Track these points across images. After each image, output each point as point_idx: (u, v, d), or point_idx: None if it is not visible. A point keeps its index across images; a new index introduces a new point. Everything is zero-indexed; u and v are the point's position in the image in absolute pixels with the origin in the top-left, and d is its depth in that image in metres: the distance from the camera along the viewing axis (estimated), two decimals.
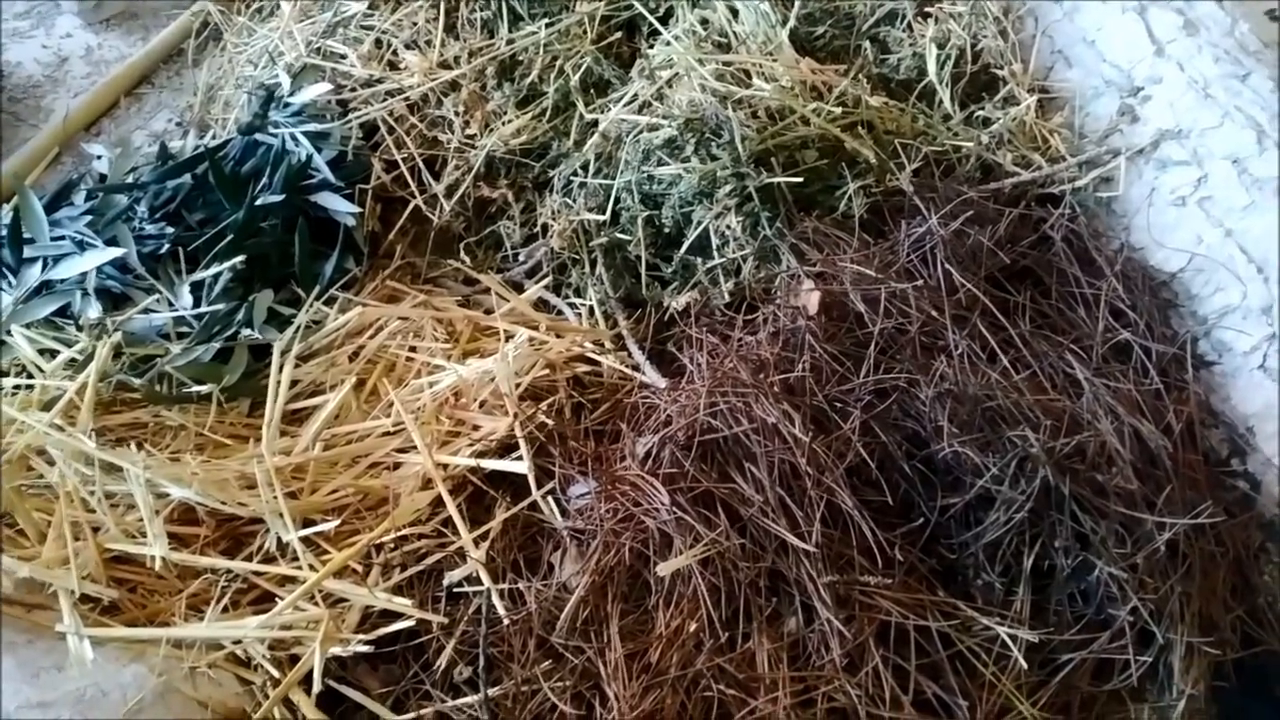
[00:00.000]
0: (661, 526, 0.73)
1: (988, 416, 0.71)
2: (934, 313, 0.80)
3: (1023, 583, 0.68)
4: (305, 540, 0.77)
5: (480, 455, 0.80)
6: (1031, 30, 1.13)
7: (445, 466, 0.80)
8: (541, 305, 1.03)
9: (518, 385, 0.85)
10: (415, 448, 0.81)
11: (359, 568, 0.76)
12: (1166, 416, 0.75)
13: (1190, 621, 0.67)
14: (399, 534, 0.77)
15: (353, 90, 1.12)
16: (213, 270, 0.96)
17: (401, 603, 0.73)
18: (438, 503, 0.80)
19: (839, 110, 0.99)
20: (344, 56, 1.15)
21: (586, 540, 0.77)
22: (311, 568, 0.75)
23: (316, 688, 0.71)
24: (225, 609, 0.76)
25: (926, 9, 1.14)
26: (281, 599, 0.76)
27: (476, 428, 0.83)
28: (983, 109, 1.07)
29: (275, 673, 0.72)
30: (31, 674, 0.71)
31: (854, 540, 0.71)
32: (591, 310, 1.01)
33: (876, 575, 0.69)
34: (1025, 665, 0.68)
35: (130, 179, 1.08)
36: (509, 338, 0.91)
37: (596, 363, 0.94)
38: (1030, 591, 0.69)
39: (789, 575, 0.71)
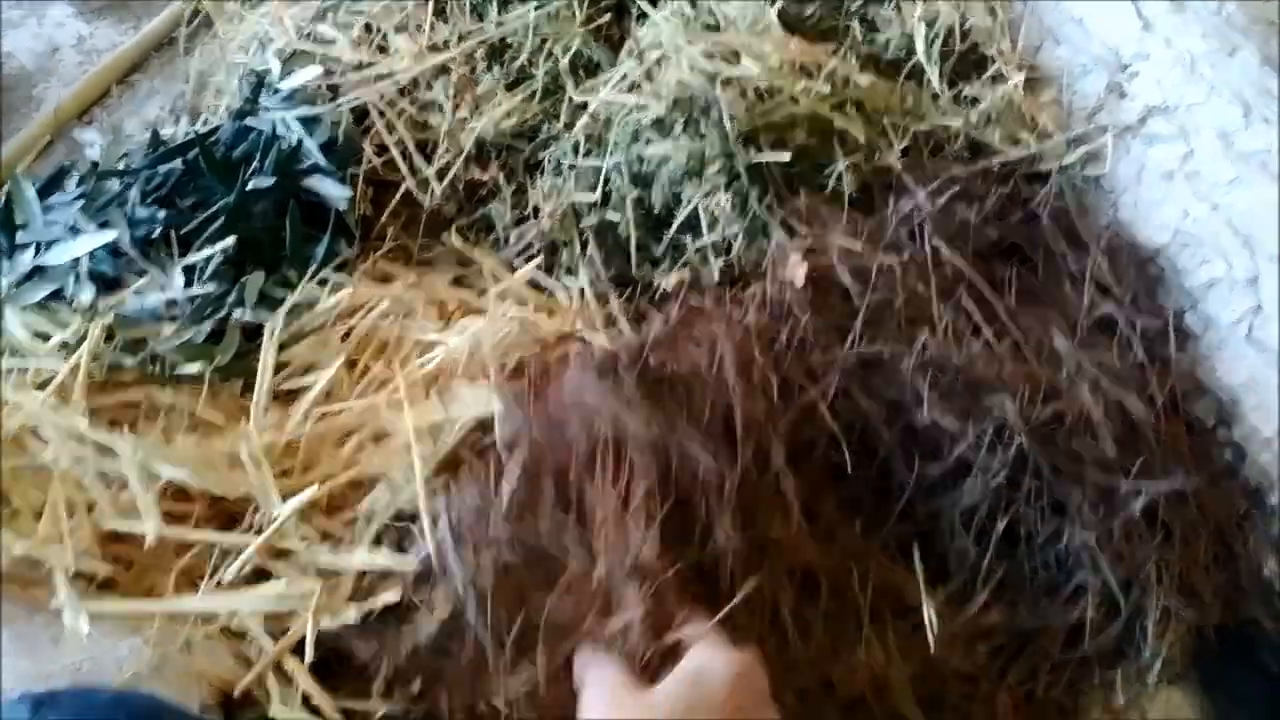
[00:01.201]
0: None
1: (969, 386, 0.71)
2: (920, 286, 0.80)
3: (991, 547, 0.68)
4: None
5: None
6: (1020, 8, 1.13)
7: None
8: (533, 286, 1.03)
9: (504, 364, 0.86)
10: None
11: (347, 539, 0.77)
12: (1149, 388, 0.76)
13: (1169, 585, 0.68)
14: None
15: (343, 75, 1.12)
16: (205, 253, 0.96)
17: (384, 560, 0.74)
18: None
19: (828, 89, 0.99)
20: (334, 41, 1.15)
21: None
22: (303, 538, 0.76)
23: (309, 657, 0.73)
24: (219, 583, 0.77)
25: None
26: (273, 574, 0.77)
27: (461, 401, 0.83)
28: (971, 87, 1.07)
29: (269, 643, 0.73)
30: (29, 648, 0.72)
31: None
32: (583, 290, 1.01)
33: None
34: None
35: (122, 165, 1.08)
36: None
37: (585, 341, 0.94)
38: (1005, 558, 0.69)
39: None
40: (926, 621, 0.68)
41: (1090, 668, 0.71)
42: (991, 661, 0.71)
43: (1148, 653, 0.68)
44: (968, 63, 1.11)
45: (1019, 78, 1.05)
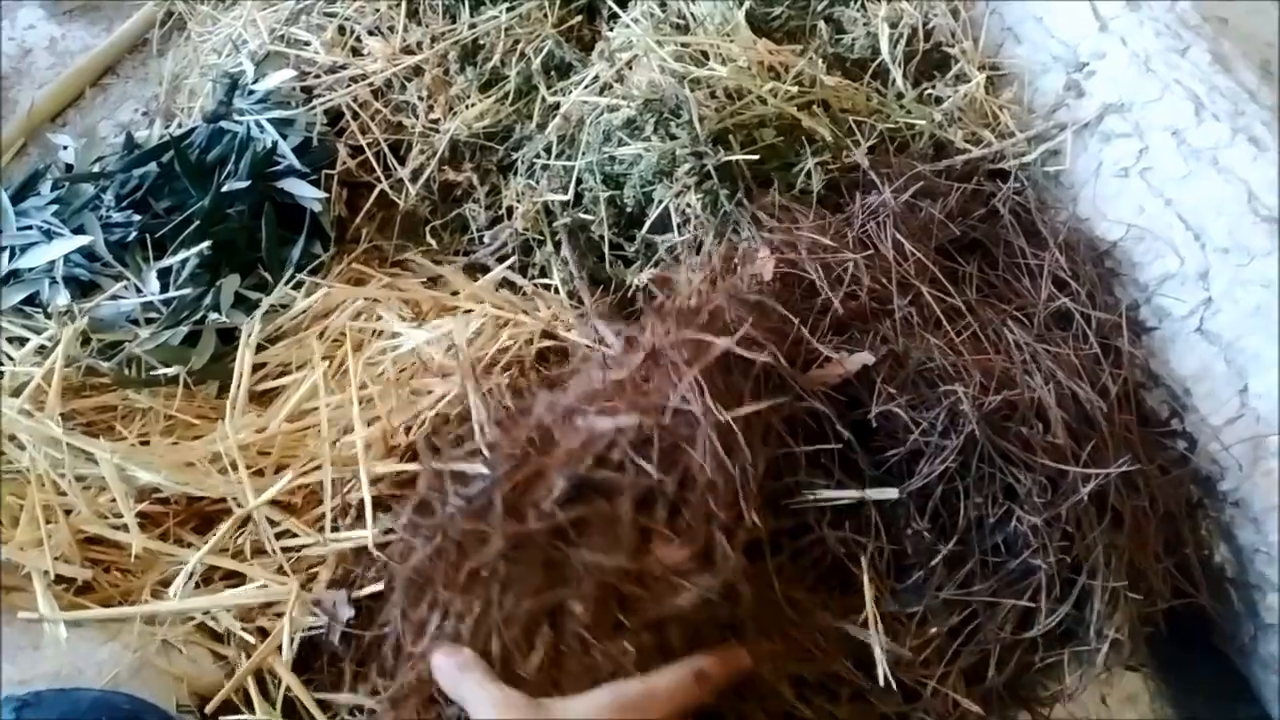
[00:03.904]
0: None
1: (926, 377, 0.73)
2: (884, 280, 0.82)
3: (944, 529, 0.70)
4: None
5: (438, 419, 0.83)
6: (982, 8, 1.15)
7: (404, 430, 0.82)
8: (507, 286, 1.05)
9: (480, 358, 0.87)
10: (377, 418, 0.83)
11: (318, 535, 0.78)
12: (1103, 379, 0.78)
13: (1117, 570, 0.70)
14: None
15: (317, 77, 1.13)
16: (180, 256, 0.97)
17: (360, 534, 0.76)
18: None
19: (795, 89, 1.01)
20: (307, 43, 1.16)
21: None
22: (277, 536, 0.77)
23: (287, 655, 0.74)
24: (198, 585, 0.78)
25: None
26: (250, 576, 0.78)
27: (432, 393, 0.85)
28: (934, 87, 1.09)
29: (250, 639, 0.74)
30: (8, 654, 0.73)
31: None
32: (556, 289, 1.02)
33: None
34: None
35: (97, 168, 1.09)
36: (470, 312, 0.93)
37: (559, 338, 0.96)
38: (958, 542, 0.71)
39: None
40: (869, 607, 0.70)
41: (1039, 650, 0.73)
42: (945, 643, 0.73)
43: (1094, 635, 0.70)
44: (931, 62, 1.13)
45: (981, 77, 1.07)
